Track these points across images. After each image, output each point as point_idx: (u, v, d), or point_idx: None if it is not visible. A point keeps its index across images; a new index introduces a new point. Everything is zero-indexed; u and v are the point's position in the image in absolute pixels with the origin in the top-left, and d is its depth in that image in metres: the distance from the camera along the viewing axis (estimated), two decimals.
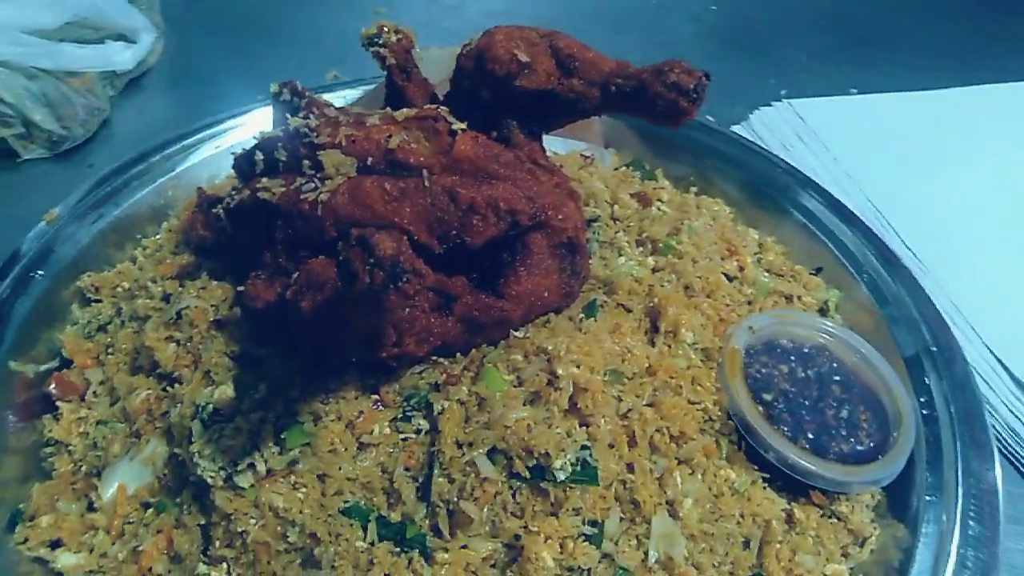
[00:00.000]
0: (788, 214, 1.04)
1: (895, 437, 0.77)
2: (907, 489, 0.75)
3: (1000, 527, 0.69)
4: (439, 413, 0.67)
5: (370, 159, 0.69)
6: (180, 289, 0.80)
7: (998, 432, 0.90)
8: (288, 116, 0.78)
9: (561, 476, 0.64)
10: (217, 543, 0.65)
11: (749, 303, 0.90)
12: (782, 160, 1.11)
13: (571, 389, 0.67)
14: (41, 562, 0.70)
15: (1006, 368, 0.95)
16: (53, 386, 0.82)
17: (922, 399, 0.81)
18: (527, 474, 0.64)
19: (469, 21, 1.76)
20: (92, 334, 0.87)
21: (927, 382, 0.82)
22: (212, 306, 0.77)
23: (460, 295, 0.69)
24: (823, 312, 0.95)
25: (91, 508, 0.73)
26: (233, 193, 0.75)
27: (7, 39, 1.23)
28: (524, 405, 0.67)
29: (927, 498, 0.73)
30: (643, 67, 0.73)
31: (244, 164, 0.76)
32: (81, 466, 0.76)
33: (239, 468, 0.65)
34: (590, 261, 0.84)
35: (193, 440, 0.67)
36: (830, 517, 0.75)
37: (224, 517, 0.64)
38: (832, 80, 1.57)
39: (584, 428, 0.67)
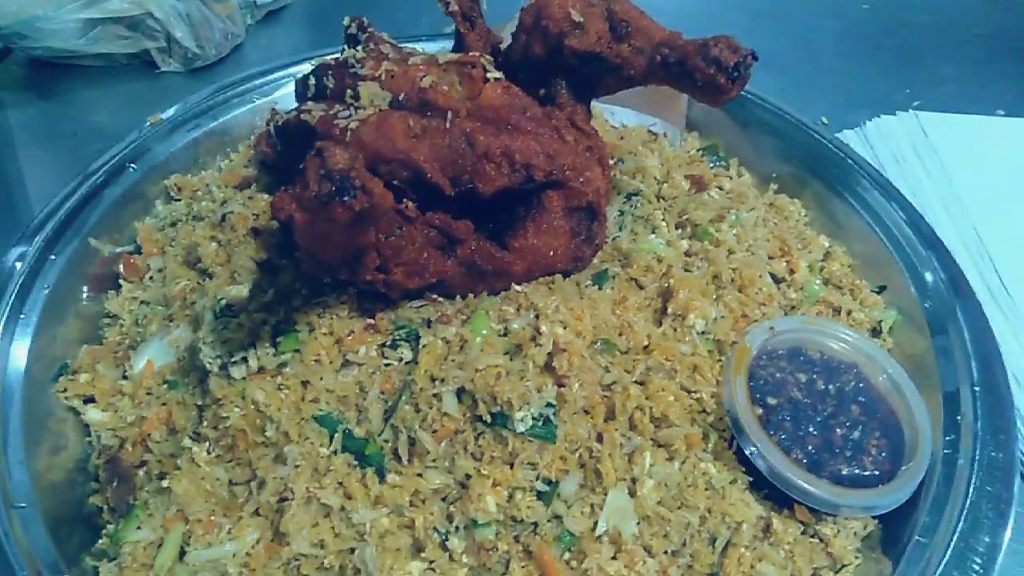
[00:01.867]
0: (867, 227, 0.97)
1: (904, 470, 0.71)
2: (902, 526, 0.69)
3: None
4: (424, 346, 0.70)
5: (403, 95, 0.71)
6: (232, 195, 0.87)
7: None
8: (346, 47, 0.82)
9: (520, 427, 0.65)
10: (205, 423, 0.71)
11: (793, 307, 0.86)
12: (876, 171, 1.03)
13: (550, 347, 0.68)
14: (74, 412, 0.80)
15: None
16: (121, 266, 0.92)
17: (948, 437, 0.74)
18: (488, 418, 0.66)
19: None
20: (164, 227, 0.96)
21: (959, 421, 0.75)
22: (253, 215, 0.83)
23: (464, 238, 0.71)
24: (875, 332, 0.88)
25: (124, 377, 0.82)
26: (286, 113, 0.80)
27: None
28: (504, 355, 0.68)
29: (918, 539, 0.67)
30: (691, 40, 0.71)
31: (300, 87, 0.81)
32: (125, 339, 0.85)
33: (234, 360, 0.70)
34: (620, 233, 0.83)
35: (203, 332, 0.73)
36: (812, 536, 0.71)
37: (215, 401, 0.70)
38: (976, 97, 1.42)
39: (557, 388, 0.67)
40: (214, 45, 1.40)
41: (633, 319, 0.74)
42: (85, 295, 0.90)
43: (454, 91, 0.71)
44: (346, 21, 0.84)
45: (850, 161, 1.02)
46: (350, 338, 0.71)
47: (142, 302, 0.86)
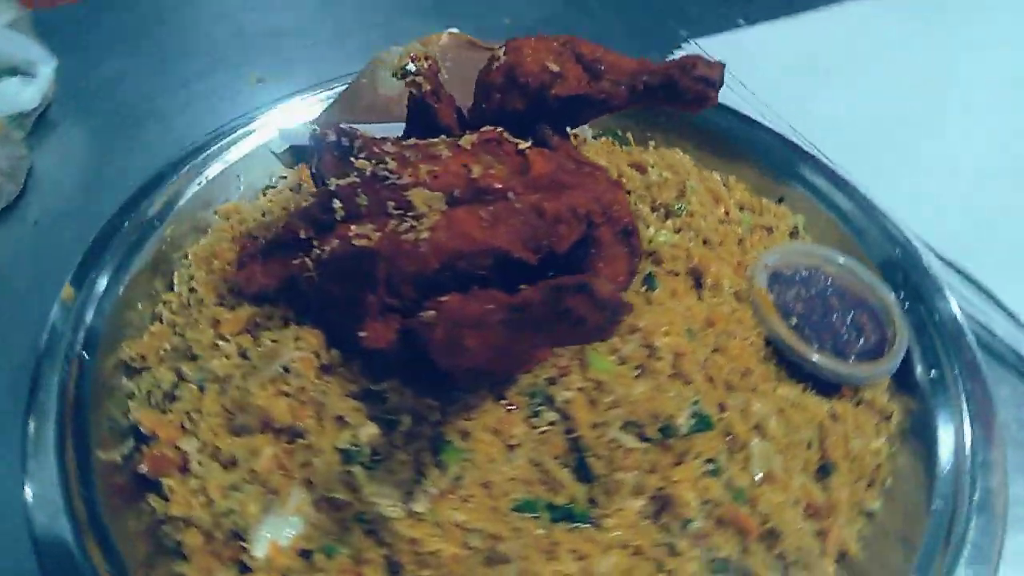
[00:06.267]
0: (740, 155, 1.18)
1: (892, 331, 0.95)
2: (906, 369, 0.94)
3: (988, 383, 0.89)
4: (566, 403, 0.76)
5: (456, 191, 0.74)
6: (271, 343, 0.81)
7: None
8: (337, 157, 0.80)
9: (684, 431, 0.76)
10: (406, 566, 0.71)
11: (740, 241, 1.05)
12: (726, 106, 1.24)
13: (671, 357, 0.79)
14: None
15: None
16: (145, 466, 0.82)
17: (900, 295, 0.99)
18: (658, 436, 0.76)
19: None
20: (159, 403, 0.86)
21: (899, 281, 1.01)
22: (313, 353, 0.79)
23: None
24: (794, 235, 1.11)
25: (246, 569, 0.76)
26: (316, 244, 0.77)
27: None
28: (635, 379, 0.78)
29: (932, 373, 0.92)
30: (665, 63, 0.82)
31: (319, 214, 0.78)
32: (214, 534, 0.78)
33: (414, 497, 0.71)
34: None
35: (361, 484, 0.71)
36: (859, 404, 0.92)
37: (410, 542, 0.70)
38: (722, 16, 1.70)
39: (687, 385, 0.79)
40: (6, 177, 1.17)
41: (689, 303, 0.87)
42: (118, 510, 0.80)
43: (499, 171, 0.75)
44: (318, 132, 0.81)
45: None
46: (500, 425, 0.75)
47: (231, 487, 0.78)
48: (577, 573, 0.71)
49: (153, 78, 1.44)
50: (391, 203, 0.74)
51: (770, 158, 1.17)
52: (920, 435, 0.88)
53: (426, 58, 0.82)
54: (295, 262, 0.79)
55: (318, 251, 0.76)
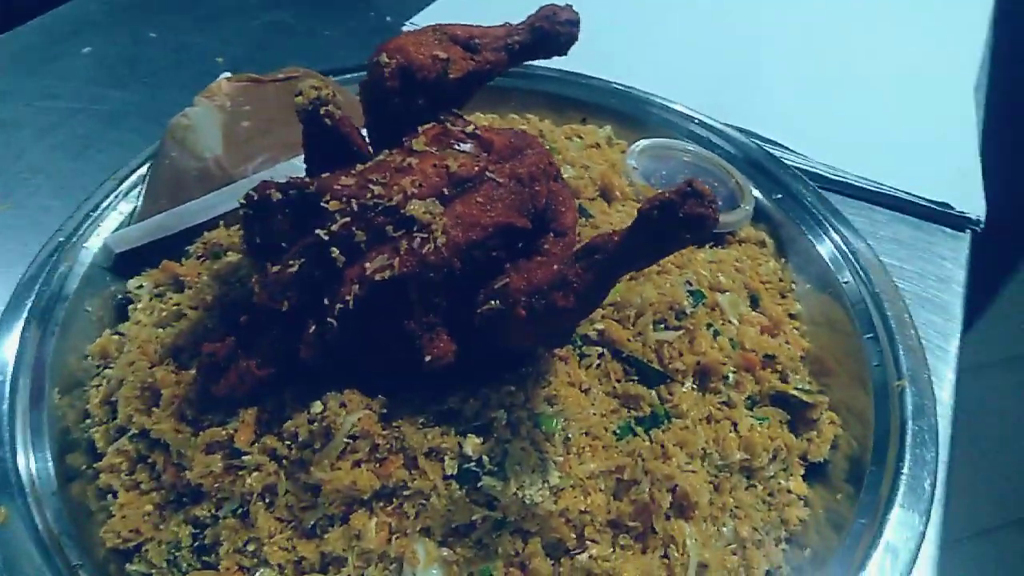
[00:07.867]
0: (534, 95, 1.31)
1: (733, 181, 1.17)
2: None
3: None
4: (600, 333, 0.83)
5: (444, 190, 0.74)
6: (314, 426, 0.73)
7: None
8: (290, 215, 0.75)
9: (689, 309, 0.88)
10: (566, 538, 0.73)
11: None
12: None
13: None
14: None
15: None
16: None
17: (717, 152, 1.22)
18: (675, 323, 0.87)
19: None
20: (191, 564, 0.74)
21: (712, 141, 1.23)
22: (366, 410, 0.74)
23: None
24: (610, 142, 1.28)
25: None
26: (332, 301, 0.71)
27: None
28: (640, 286, 0.87)
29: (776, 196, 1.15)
30: (527, 20, 0.89)
31: (313, 271, 0.72)
32: None
33: (549, 473, 0.73)
34: None
35: (499, 490, 0.71)
36: (742, 243, 1.12)
37: (561, 514, 0.72)
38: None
39: (668, 275, 0.91)
40: None
41: (616, 217, 0.98)
42: None
43: (467, 159, 0.77)
44: (275, 195, 0.74)
45: None
46: (570, 376, 0.80)
47: None
48: (685, 457, 0.80)
49: None
50: (389, 227, 0.72)
51: (567, 87, 1.31)
52: (795, 244, 1.11)
53: (324, 87, 0.79)
54: (312, 330, 0.72)
55: (340, 304, 0.71)
